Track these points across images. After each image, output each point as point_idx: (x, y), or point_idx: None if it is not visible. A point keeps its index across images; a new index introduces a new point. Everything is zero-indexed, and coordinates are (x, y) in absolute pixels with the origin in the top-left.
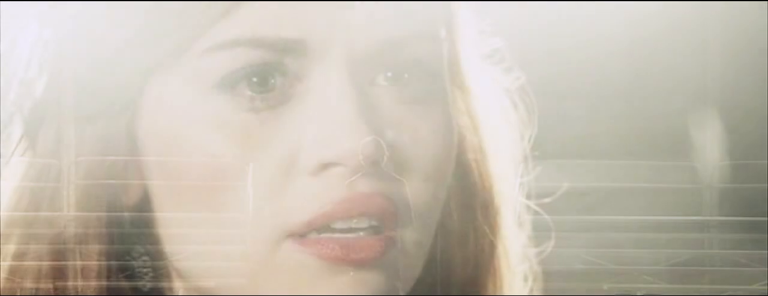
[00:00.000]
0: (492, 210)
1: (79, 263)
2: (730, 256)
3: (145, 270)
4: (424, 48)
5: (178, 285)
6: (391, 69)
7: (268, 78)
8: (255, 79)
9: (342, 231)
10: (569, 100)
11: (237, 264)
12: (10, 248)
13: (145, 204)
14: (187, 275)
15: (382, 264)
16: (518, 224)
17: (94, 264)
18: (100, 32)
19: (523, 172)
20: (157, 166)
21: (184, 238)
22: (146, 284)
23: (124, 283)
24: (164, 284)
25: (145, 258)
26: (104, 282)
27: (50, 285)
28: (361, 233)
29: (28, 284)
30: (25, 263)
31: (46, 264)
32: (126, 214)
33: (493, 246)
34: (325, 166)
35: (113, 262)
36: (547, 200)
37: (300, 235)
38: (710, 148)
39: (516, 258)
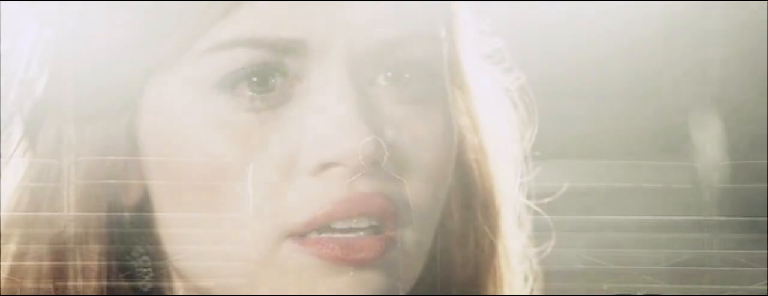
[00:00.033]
0: (492, 210)
1: (79, 263)
2: (730, 256)
3: (145, 270)
4: (425, 48)
5: (178, 285)
6: (391, 69)
7: (269, 78)
8: (255, 79)
9: (342, 231)
10: (569, 100)
11: (237, 264)
12: (11, 248)
13: (145, 204)
14: (187, 275)
15: (383, 264)
16: (518, 224)
17: (94, 264)
18: (100, 32)
19: (523, 172)
20: (157, 166)
21: (184, 238)
22: (146, 284)
23: (125, 283)
24: (164, 284)
25: (145, 258)
26: (104, 282)
27: (50, 285)
28: (361, 233)
29: (29, 284)
30: (26, 263)
31: (46, 264)
32: (126, 214)
33: (493, 246)
34: (325, 166)
35: (113, 262)
36: (547, 200)
37: (300, 235)
38: (710, 148)
39: (516, 258)
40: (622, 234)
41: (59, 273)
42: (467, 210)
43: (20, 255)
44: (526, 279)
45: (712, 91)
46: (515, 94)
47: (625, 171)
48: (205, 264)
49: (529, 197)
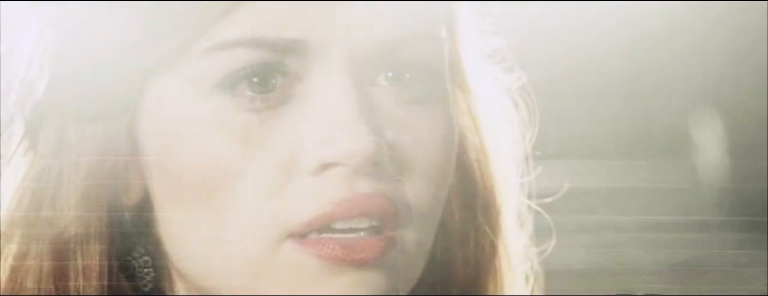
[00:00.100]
0: (493, 210)
1: (80, 263)
2: (730, 256)
3: (145, 270)
4: (425, 48)
5: (178, 285)
6: (391, 69)
7: (269, 78)
8: (255, 80)
9: (342, 231)
10: (569, 100)
11: (237, 265)
12: (12, 248)
13: (145, 204)
14: (188, 275)
15: (383, 264)
16: (519, 224)
17: (95, 264)
18: (100, 32)
19: (524, 172)
20: (157, 166)
21: (185, 238)
22: (147, 284)
23: (125, 283)
24: (165, 284)
25: (145, 258)
26: (105, 282)
27: (51, 286)
28: (362, 233)
29: (30, 284)
30: (27, 263)
31: (47, 264)
32: (126, 214)
33: (494, 246)
34: (326, 166)
35: (114, 262)
36: (548, 200)
37: (300, 235)
38: (710, 148)
39: (517, 258)
40: (623, 234)
41: (60, 273)
42: (468, 210)
43: (21, 256)
44: (526, 279)
45: (712, 90)
46: (516, 94)
47: (625, 171)
48: (205, 264)
49: (530, 197)
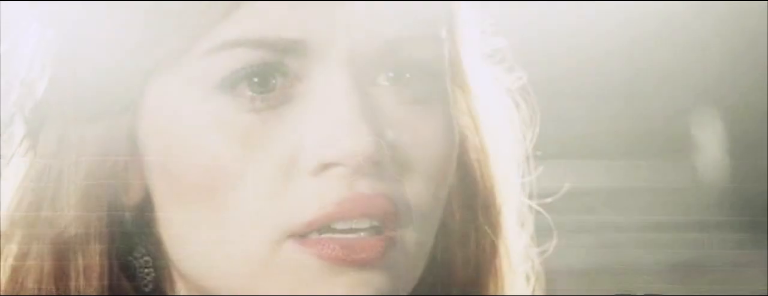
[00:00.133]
0: (494, 210)
1: (80, 263)
2: (730, 256)
3: (146, 270)
4: (426, 48)
5: (179, 285)
6: (392, 69)
7: (269, 78)
8: (256, 80)
9: (343, 231)
10: (569, 100)
11: (238, 265)
12: (12, 248)
13: (146, 204)
14: (188, 275)
15: (384, 264)
16: (520, 224)
17: (95, 264)
18: (101, 33)
19: (525, 172)
20: (158, 167)
21: (185, 238)
22: (148, 284)
23: (126, 283)
24: (166, 284)
25: (146, 258)
26: (106, 283)
27: (52, 286)
28: (362, 233)
29: (30, 284)
30: (27, 263)
31: (47, 264)
32: (127, 214)
33: (494, 246)
34: (326, 167)
35: (115, 262)
36: (548, 200)
37: (301, 236)
38: (710, 148)
39: (518, 258)
40: (623, 234)
41: (61, 274)
42: (469, 210)
43: (22, 256)
44: (527, 279)
45: (712, 90)
46: (517, 94)
47: (626, 171)
48: (205, 264)
49: (530, 197)
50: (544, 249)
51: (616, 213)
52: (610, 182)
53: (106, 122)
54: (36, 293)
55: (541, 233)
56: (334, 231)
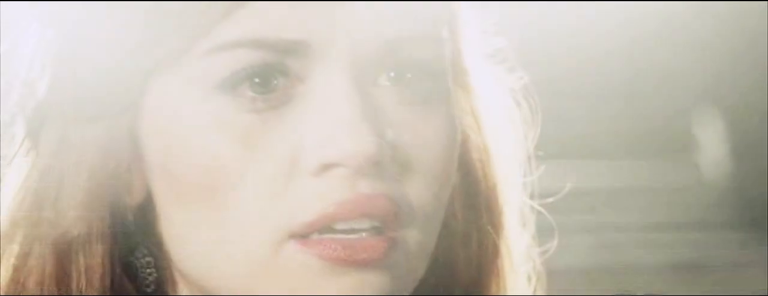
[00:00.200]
0: (496, 210)
1: (82, 263)
2: (731, 256)
3: (148, 270)
4: (427, 48)
5: (181, 286)
6: (393, 69)
7: (270, 79)
8: (257, 80)
9: (344, 232)
10: (570, 100)
11: (239, 265)
12: (14, 248)
13: (148, 204)
14: (189, 275)
15: (385, 265)
16: (522, 224)
17: (97, 264)
18: (101, 33)
19: (527, 172)
20: (158, 167)
21: (186, 239)
22: (150, 285)
23: (128, 284)
24: (168, 285)
25: (148, 258)
26: (107, 283)
27: (53, 286)
28: (364, 234)
29: (32, 285)
30: (29, 264)
31: (49, 264)
32: (129, 215)
33: (496, 247)
34: (327, 167)
35: (117, 263)
36: (550, 200)
37: (302, 236)
38: (710, 147)
39: (520, 258)
40: (624, 234)
41: (62, 274)
42: (471, 210)
43: (23, 256)
44: (529, 279)
45: (712, 90)
46: (518, 94)
47: (626, 171)
48: (206, 264)
49: (532, 197)
50: (546, 249)
51: (616, 213)
52: (611, 182)
53: (106, 122)
54: (38, 293)
55: (542, 233)
56: (336, 231)
